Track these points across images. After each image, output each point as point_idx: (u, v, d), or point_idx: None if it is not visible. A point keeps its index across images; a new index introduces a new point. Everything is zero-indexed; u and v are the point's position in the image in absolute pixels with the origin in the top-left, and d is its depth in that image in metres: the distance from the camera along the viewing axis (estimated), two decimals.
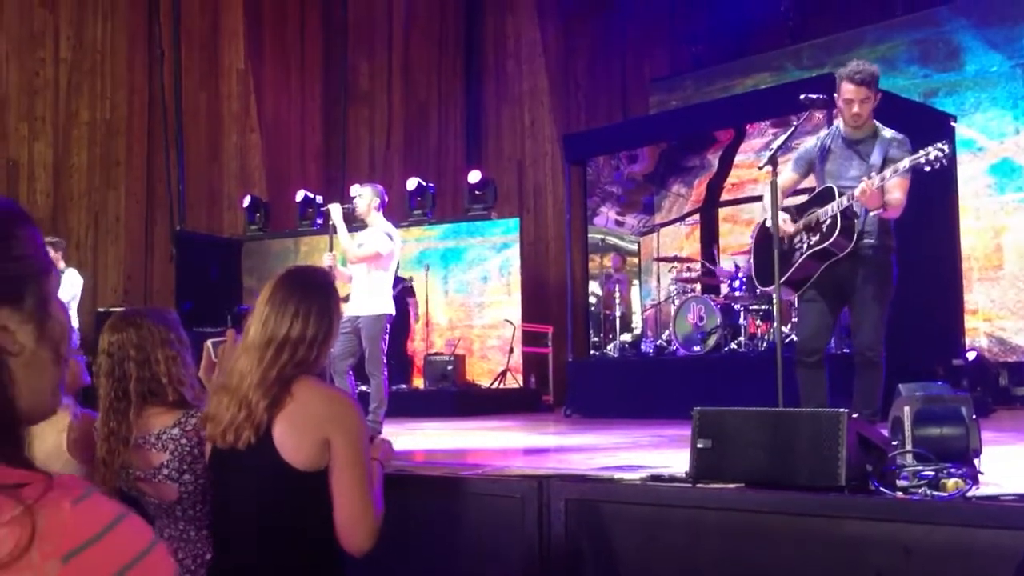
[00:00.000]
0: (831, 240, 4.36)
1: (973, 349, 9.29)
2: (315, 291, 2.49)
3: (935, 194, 7.87)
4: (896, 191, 4.31)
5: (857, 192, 4.23)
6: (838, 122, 4.57)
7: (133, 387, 2.69)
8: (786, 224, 4.51)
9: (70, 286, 8.67)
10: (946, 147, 4.07)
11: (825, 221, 4.42)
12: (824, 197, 4.50)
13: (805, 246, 4.50)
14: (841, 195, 4.36)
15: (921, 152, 4.13)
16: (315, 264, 8.78)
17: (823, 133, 4.68)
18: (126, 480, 2.69)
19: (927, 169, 4.13)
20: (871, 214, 4.35)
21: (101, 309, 10.31)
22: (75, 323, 8.53)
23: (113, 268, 12.17)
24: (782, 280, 4.34)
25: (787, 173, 4.65)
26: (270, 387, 2.36)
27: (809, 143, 4.72)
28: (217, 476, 2.49)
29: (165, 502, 2.69)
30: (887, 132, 4.45)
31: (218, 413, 2.40)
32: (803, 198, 4.76)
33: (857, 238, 4.38)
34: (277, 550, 2.39)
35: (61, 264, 8.74)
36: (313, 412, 2.37)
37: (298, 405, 2.37)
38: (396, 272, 10.41)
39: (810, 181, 4.80)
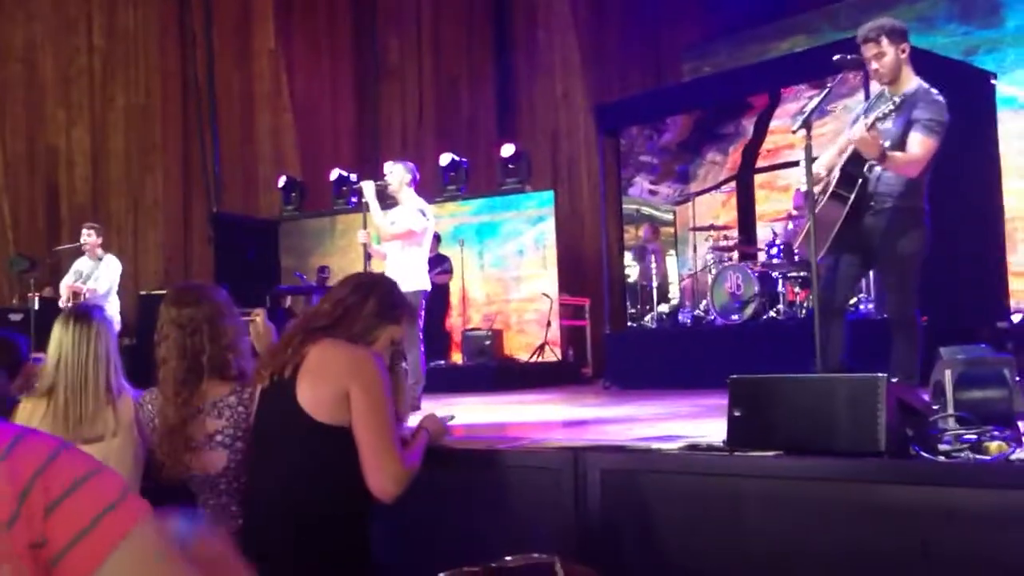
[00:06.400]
0: (834, 184, 4.38)
1: (1018, 311, 9.11)
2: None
3: (975, 154, 7.70)
4: (915, 146, 4.21)
5: (854, 135, 4.19)
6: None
7: (206, 360, 2.74)
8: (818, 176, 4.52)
9: (110, 272, 8.77)
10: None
11: (835, 174, 4.40)
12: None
13: (822, 196, 4.49)
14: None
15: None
16: (343, 246, 8.84)
17: (875, 94, 4.63)
18: None
19: None
20: (887, 172, 4.29)
21: (143, 292, 10.44)
22: (116, 308, 8.65)
23: (153, 252, 12.33)
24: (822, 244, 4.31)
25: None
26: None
27: (858, 108, 4.69)
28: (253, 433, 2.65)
29: (210, 475, 2.72)
30: (923, 89, 4.34)
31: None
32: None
33: (872, 196, 4.34)
34: (302, 510, 2.52)
35: (99, 251, 8.84)
36: (332, 366, 2.52)
37: (317, 362, 2.53)
38: (438, 249, 10.48)
39: None
